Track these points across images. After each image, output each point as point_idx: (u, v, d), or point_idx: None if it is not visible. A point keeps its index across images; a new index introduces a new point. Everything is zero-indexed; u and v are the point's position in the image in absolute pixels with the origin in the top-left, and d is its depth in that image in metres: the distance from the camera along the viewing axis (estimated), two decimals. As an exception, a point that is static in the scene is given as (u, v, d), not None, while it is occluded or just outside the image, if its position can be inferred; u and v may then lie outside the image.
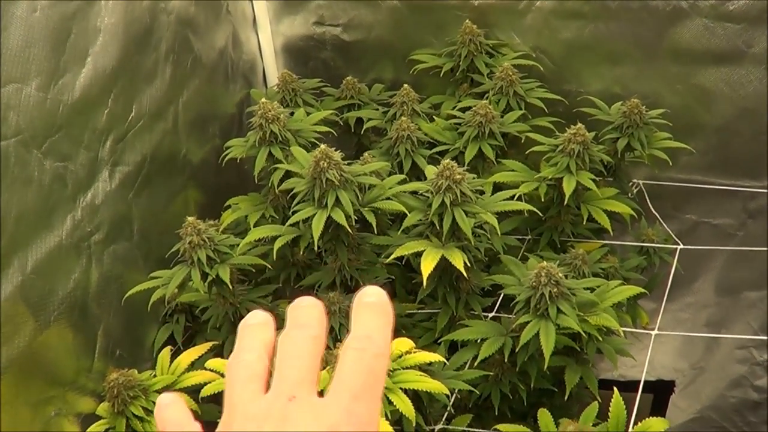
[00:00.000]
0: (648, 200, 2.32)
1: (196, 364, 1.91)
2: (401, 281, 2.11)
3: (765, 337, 2.48)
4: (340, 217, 1.73)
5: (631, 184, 2.32)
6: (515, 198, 1.90)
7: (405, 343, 1.69)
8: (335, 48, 2.54)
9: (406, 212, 1.78)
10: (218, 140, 2.31)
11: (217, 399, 1.93)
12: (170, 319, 2.10)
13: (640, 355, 1.99)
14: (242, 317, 1.83)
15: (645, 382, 1.85)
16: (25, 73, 1.67)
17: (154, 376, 1.87)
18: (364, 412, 0.71)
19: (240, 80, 2.47)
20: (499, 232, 1.83)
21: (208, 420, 1.90)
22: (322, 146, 1.76)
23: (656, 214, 2.30)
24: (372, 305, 0.77)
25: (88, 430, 1.82)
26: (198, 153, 2.27)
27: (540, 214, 2.04)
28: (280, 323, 1.84)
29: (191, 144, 2.23)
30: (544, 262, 1.71)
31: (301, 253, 1.91)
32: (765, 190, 2.34)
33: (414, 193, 1.84)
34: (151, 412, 1.79)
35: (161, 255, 2.00)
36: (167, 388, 1.83)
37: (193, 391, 1.84)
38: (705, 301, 2.63)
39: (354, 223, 1.79)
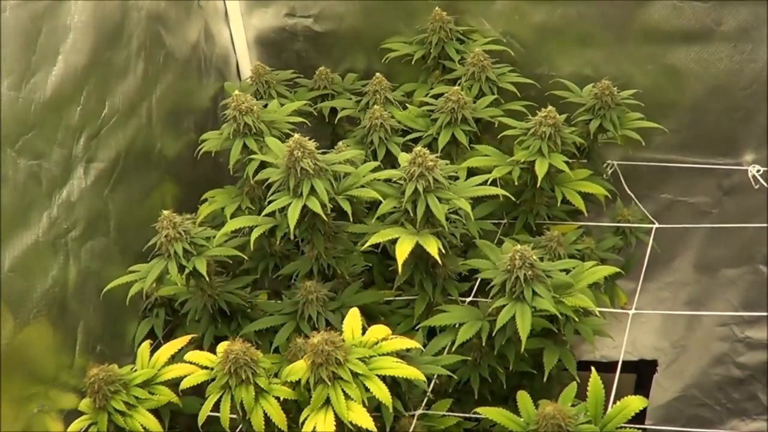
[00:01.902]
0: (623, 181, 2.36)
1: (177, 358, 1.93)
2: (379, 269, 2.13)
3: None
4: (315, 206, 1.75)
5: (605, 165, 2.35)
6: (489, 182, 1.93)
7: (381, 330, 1.71)
8: (307, 39, 2.56)
9: (381, 199, 1.80)
10: (193, 134, 2.34)
11: (198, 391, 1.96)
12: (150, 313, 2.13)
13: (620, 336, 2.01)
14: (221, 309, 1.87)
15: (628, 362, 1.88)
16: (-5, 72, 1.69)
17: (135, 370, 1.89)
18: None
19: (213, 74, 2.49)
20: (472, 218, 1.85)
21: (189, 412, 1.94)
22: (296, 136, 1.78)
23: (631, 194, 2.33)
24: None
25: (71, 426, 1.84)
26: (173, 147, 2.29)
27: (514, 198, 2.06)
28: (258, 314, 1.87)
29: (166, 139, 2.25)
30: (519, 246, 1.73)
31: (278, 243, 1.94)
32: (739, 167, 2.37)
33: (388, 181, 1.86)
34: (133, 406, 1.81)
35: (139, 250, 2.02)
36: (148, 382, 1.85)
37: (173, 385, 1.87)
38: (684, 279, 2.66)
39: (330, 212, 1.81)
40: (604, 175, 2.31)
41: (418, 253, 1.86)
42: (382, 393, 1.61)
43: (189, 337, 1.94)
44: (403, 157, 1.87)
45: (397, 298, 2.03)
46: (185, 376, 1.83)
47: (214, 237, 1.89)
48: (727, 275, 2.64)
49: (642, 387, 2.78)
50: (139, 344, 2.02)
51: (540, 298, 1.70)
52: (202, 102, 2.44)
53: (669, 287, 2.68)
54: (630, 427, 1.71)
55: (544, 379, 1.89)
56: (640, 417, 2.11)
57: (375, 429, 1.59)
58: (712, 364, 2.82)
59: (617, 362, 1.84)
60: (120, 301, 2.01)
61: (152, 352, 1.95)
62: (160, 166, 2.24)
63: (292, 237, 1.81)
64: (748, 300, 2.68)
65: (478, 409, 1.76)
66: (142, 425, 1.80)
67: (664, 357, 2.79)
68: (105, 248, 2.02)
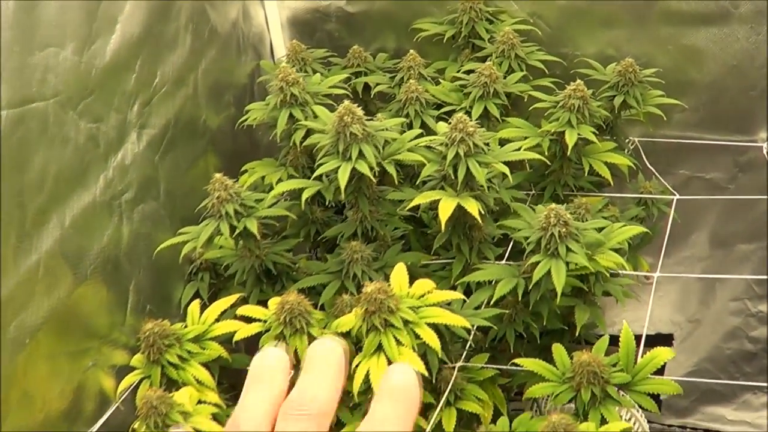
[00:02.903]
0: (644, 157, 2.46)
1: (224, 316, 2.03)
2: (415, 236, 2.24)
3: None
4: (364, 168, 1.86)
5: (627, 140, 2.46)
6: (521, 150, 2.04)
7: (426, 284, 1.82)
8: (340, 20, 2.67)
9: (425, 162, 1.91)
10: (233, 109, 2.45)
11: (242, 348, 2.07)
12: (195, 277, 2.23)
13: (640, 310, 2.11)
14: (267, 271, 1.97)
15: (645, 337, 1.96)
16: (62, 38, 1.80)
17: (185, 327, 1.99)
18: None
19: (250, 52, 2.60)
20: (511, 179, 1.97)
21: (238, 368, 2.05)
22: (346, 102, 1.89)
23: (652, 169, 2.44)
24: (396, 391, 0.73)
25: (124, 380, 1.94)
26: (215, 120, 2.39)
27: (546, 163, 2.17)
28: (302, 277, 1.97)
29: (209, 111, 2.36)
30: (553, 204, 1.84)
31: (327, 203, 2.04)
32: (754, 144, 2.48)
33: (428, 148, 1.97)
34: (186, 359, 1.91)
35: (185, 216, 2.13)
36: (199, 338, 1.95)
37: (222, 342, 1.97)
38: (700, 254, 2.77)
39: (373, 177, 1.92)
40: (626, 151, 2.42)
41: (456, 217, 1.96)
42: (431, 338, 1.71)
43: (237, 295, 2.04)
44: (442, 126, 1.99)
45: (434, 261, 2.13)
46: (234, 333, 1.95)
47: (262, 200, 2.00)
48: (742, 250, 2.74)
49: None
50: (185, 306, 2.14)
51: (574, 254, 1.80)
52: (240, 78, 2.55)
53: (685, 261, 2.78)
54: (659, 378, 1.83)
55: (577, 333, 2.00)
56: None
57: (425, 371, 1.70)
58: (725, 338, 2.93)
59: (637, 336, 1.93)
60: (167, 264, 2.13)
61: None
62: (204, 137, 2.35)
63: (343, 197, 1.91)
64: (761, 274, 2.79)
65: (516, 360, 1.87)
66: (194, 377, 1.91)
67: (680, 331, 2.90)
68: (155, 212, 2.12)
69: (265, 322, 1.84)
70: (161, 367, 1.90)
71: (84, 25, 1.86)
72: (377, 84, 2.43)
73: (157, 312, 2.10)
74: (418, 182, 1.99)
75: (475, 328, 1.94)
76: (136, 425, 1.83)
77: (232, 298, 2.03)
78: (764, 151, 2.43)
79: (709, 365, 2.98)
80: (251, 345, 1.99)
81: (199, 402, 1.88)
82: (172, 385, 1.91)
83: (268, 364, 0.79)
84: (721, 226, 2.73)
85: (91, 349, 1.94)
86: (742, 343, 2.93)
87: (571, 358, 1.83)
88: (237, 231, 1.93)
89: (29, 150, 1.71)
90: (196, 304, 2.04)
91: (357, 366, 1.72)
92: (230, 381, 2.08)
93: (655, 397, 1.89)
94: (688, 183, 2.62)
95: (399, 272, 1.82)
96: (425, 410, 1.90)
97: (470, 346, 1.96)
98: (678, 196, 2.33)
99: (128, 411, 1.96)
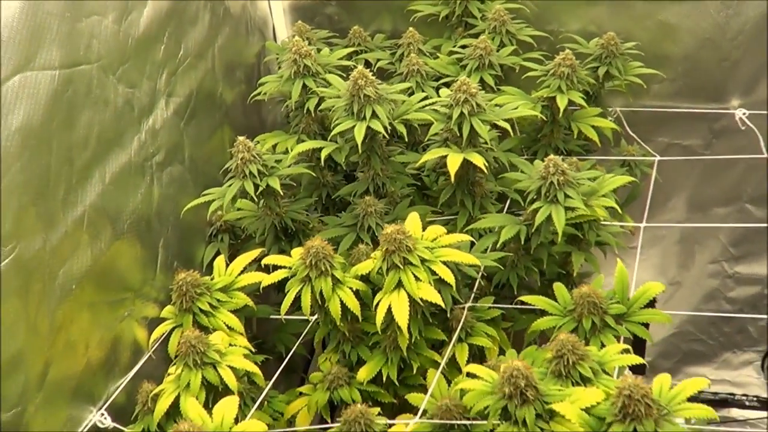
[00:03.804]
0: (626, 125, 2.69)
1: (246, 270, 2.22)
2: (420, 196, 2.44)
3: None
4: (378, 126, 2.07)
5: (610, 110, 2.69)
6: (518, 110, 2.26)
7: (438, 229, 2.03)
8: (339, 3, 2.90)
9: (433, 121, 2.12)
10: (243, 86, 2.66)
11: (264, 300, 2.26)
12: (215, 238, 2.43)
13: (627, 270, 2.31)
14: (285, 228, 2.17)
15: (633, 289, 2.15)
16: (104, 7, 2.00)
17: (212, 279, 2.18)
18: None
19: (257, 34, 2.82)
20: (512, 134, 2.19)
21: (261, 317, 2.24)
22: (360, 67, 2.11)
23: (634, 135, 2.67)
24: None
25: (157, 329, 2.12)
26: (230, 95, 2.61)
27: (537, 128, 2.38)
28: (314, 233, 2.17)
29: (225, 86, 2.57)
30: (552, 155, 2.05)
31: (337, 167, 2.24)
32: (727, 111, 2.72)
33: (434, 111, 2.18)
34: (216, 307, 2.10)
35: (206, 182, 2.33)
36: (226, 288, 2.14)
37: (247, 292, 2.17)
38: (679, 218, 3.00)
39: (387, 135, 2.13)
40: (610, 119, 2.64)
41: (460, 174, 2.17)
42: (446, 274, 1.92)
43: (260, 250, 2.23)
44: (444, 92, 2.21)
45: (440, 218, 2.34)
46: (259, 283, 2.15)
47: (281, 161, 2.20)
48: (718, 214, 2.98)
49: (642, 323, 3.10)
50: (208, 265, 2.33)
51: (572, 200, 2.02)
52: (249, 58, 2.77)
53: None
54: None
55: (574, 274, 2.21)
56: (640, 352, 2.41)
57: (442, 302, 1.90)
58: (704, 299, 3.17)
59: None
60: (191, 225, 2.34)
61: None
62: (221, 109, 2.56)
63: (360, 152, 2.12)
64: (736, 237, 3.03)
65: (521, 297, 2.08)
66: (225, 323, 2.10)
67: (662, 295, 3.09)
68: (181, 175, 2.33)
69: (290, 269, 2.04)
70: (193, 315, 2.09)
71: (122, -3, 2.08)
72: (378, 60, 2.65)
73: (183, 270, 2.28)
74: (420, 147, 2.21)
75: (481, 272, 2.14)
76: (171, 369, 2.02)
77: (254, 253, 2.21)
78: (737, 118, 2.66)
79: (690, 326, 3.22)
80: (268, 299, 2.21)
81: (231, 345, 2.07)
82: (201, 332, 2.09)
83: None
84: (698, 191, 2.96)
85: (126, 300, 2.13)
86: (720, 304, 3.17)
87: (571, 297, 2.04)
88: (260, 189, 2.13)
89: (76, 109, 1.91)
90: (221, 259, 2.23)
91: (378, 303, 1.93)
92: (250, 333, 2.28)
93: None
94: (667, 150, 2.85)
95: (413, 220, 2.02)
96: (439, 347, 2.11)
97: (478, 287, 2.17)
98: (658, 158, 2.56)
99: (159, 360, 2.16)
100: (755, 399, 3.17)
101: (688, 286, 3.15)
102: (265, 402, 2.15)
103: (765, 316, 2.16)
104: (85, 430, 1.98)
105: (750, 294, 3.13)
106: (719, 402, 3.20)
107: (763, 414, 3.17)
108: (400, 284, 1.91)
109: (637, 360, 1.83)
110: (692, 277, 3.15)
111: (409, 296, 1.89)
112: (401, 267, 1.90)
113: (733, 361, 3.28)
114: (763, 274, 3.09)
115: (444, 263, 1.94)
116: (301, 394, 2.20)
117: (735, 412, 3.22)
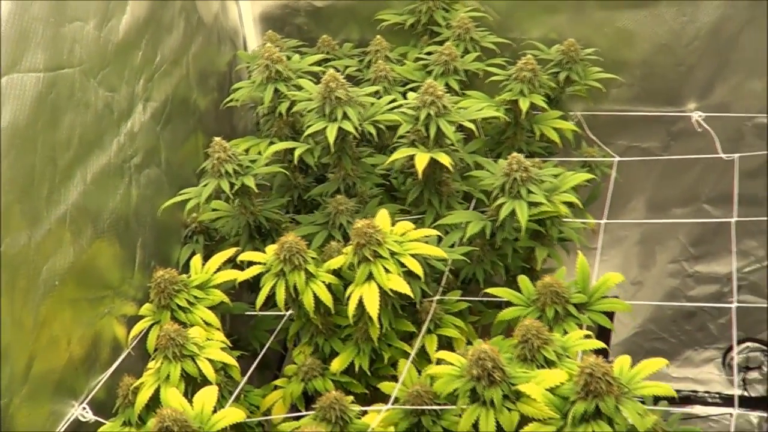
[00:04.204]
0: (586, 129, 2.82)
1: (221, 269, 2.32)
2: (389, 196, 2.55)
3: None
4: (349, 127, 2.19)
5: (571, 114, 2.82)
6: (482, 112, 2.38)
7: (406, 224, 2.15)
8: (308, 14, 3.02)
9: (402, 122, 2.24)
10: (216, 93, 2.77)
11: (239, 297, 2.36)
12: (190, 240, 2.54)
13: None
14: (259, 227, 2.27)
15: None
16: (86, 13, 2.12)
17: (189, 277, 2.27)
18: None
19: (228, 43, 2.93)
20: (477, 134, 2.31)
21: (236, 315, 2.35)
22: (331, 70, 2.23)
23: (594, 138, 2.80)
24: None
25: (136, 325, 2.21)
26: (203, 101, 2.72)
27: (500, 131, 2.51)
28: (286, 233, 2.26)
29: (198, 92, 2.69)
30: (515, 153, 2.17)
31: (313, 162, 2.35)
32: (685, 114, 2.86)
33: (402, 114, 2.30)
34: (193, 303, 2.19)
35: (181, 184, 2.43)
36: (203, 285, 2.23)
37: (223, 289, 2.27)
38: (639, 219, 3.13)
39: (357, 135, 2.24)
40: (571, 123, 2.77)
41: (427, 173, 2.30)
42: (415, 266, 2.03)
43: (234, 249, 2.34)
44: (411, 95, 2.33)
45: (408, 217, 2.44)
46: (234, 282, 2.26)
47: (256, 161, 2.31)
48: (677, 214, 3.12)
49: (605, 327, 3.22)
50: (184, 265, 2.43)
51: (534, 195, 2.13)
52: (221, 66, 2.88)
53: (625, 226, 3.15)
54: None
55: (537, 268, 2.33)
56: (603, 352, 2.52)
57: (411, 293, 2.01)
58: (665, 299, 3.29)
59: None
60: (167, 227, 2.44)
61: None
62: (195, 115, 2.67)
63: (332, 152, 2.24)
64: (695, 237, 3.17)
65: (487, 290, 2.19)
66: (202, 319, 2.19)
67: (624, 294, 3.23)
68: (157, 177, 2.44)
69: (264, 264, 2.14)
70: (170, 311, 2.18)
71: (103, 4, 2.18)
72: (347, 67, 2.76)
73: (161, 268, 2.38)
74: (387, 150, 2.33)
75: (448, 267, 2.26)
76: (150, 364, 2.11)
77: (229, 252, 2.32)
78: (693, 121, 2.80)
79: (653, 325, 3.34)
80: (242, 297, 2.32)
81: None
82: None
83: None
84: (657, 192, 3.09)
85: (106, 297, 2.23)
86: (681, 303, 3.29)
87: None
88: (235, 188, 2.24)
89: (59, 111, 2.02)
90: (197, 258, 2.33)
91: (350, 295, 2.04)
92: (228, 330, 2.38)
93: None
94: (626, 152, 2.97)
95: (382, 216, 2.13)
96: (409, 338, 2.22)
97: (446, 282, 2.28)
98: (618, 158, 2.69)
99: (137, 358, 2.25)
100: (717, 395, 3.31)
101: (650, 286, 3.28)
102: (242, 395, 2.24)
103: (730, 305, 2.28)
104: (68, 423, 2.07)
105: (710, 292, 3.26)
106: (682, 399, 3.32)
107: (725, 410, 3.30)
108: (370, 276, 2.02)
109: (598, 344, 1.94)
110: (653, 277, 3.27)
111: (380, 288, 2.01)
112: (372, 260, 2.01)
113: (695, 359, 3.40)
114: (722, 273, 3.22)
115: (413, 256, 2.06)
116: (276, 387, 2.31)
117: (698, 409, 3.35)
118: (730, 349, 3.32)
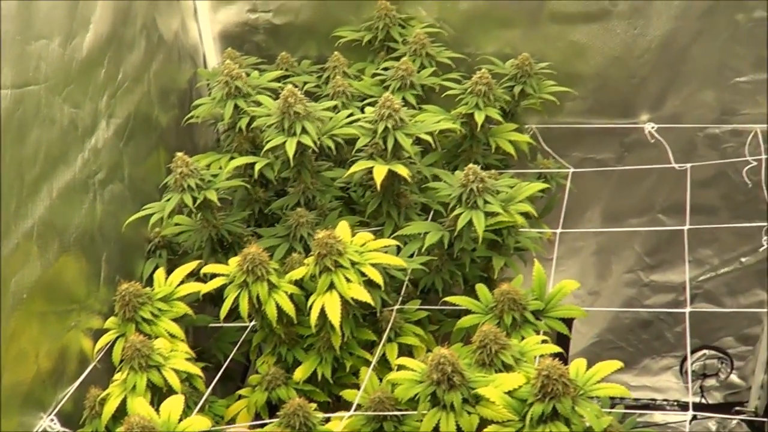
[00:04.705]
0: (542, 141, 2.92)
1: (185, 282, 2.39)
2: (348, 210, 2.64)
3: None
4: (308, 141, 2.28)
5: (527, 127, 2.92)
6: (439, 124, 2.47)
7: (366, 235, 2.24)
8: (267, 31, 3.11)
9: (360, 136, 2.33)
10: (177, 110, 2.85)
11: (202, 310, 2.43)
12: (153, 254, 2.61)
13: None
14: (221, 240, 2.35)
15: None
16: (51, 31, 2.20)
17: (153, 290, 2.34)
18: None
19: (188, 61, 3.02)
20: (435, 146, 2.42)
21: (199, 328, 2.42)
22: (289, 86, 2.31)
23: (549, 150, 2.90)
24: None
25: (101, 338, 2.27)
26: (164, 118, 2.80)
27: (457, 144, 2.60)
28: (244, 244, 2.35)
29: (160, 109, 2.77)
30: (471, 164, 2.26)
31: (273, 177, 2.44)
32: (638, 125, 2.97)
33: (360, 127, 2.39)
34: (157, 316, 2.26)
35: (144, 200, 2.51)
36: (167, 298, 2.30)
37: (186, 302, 2.34)
38: (595, 229, 3.23)
39: (316, 149, 2.34)
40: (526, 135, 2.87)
41: (386, 185, 2.38)
42: (375, 276, 2.12)
43: (197, 262, 2.40)
44: (368, 110, 2.42)
45: (368, 229, 2.52)
46: (197, 295, 2.34)
47: (218, 176, 2.40)
48: (633, 224, 3.22)
49: (562, 336, 3.31)
50: (147, 279, 2.50)
51: (491, 205, 2.21)
52: (181, 83, 2.96)
53: (582, 237, 3.25)
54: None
55: (494, 276, 2.43)
56: (560, 356, 2.60)
57: (372, 301, 2.09)
58: (622, 308, 3.39)
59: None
60: (130, 241, 2.51)
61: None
62: (157, 131, 2.75)
63: (291, 165, 2.33)
64: (650, 247, 3.27)
65: (446, 298, 2.28)
66: (166, 331, 2.25)
67: (582, 304, 3.32)
68: (121, 193, 2.51)
69: (228, 276, 2.22)
70: (135, 323, 2.25)
71: (67, 22, 2.26)
72: (305, 83, 2.86)
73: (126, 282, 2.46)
74: (346, 164, 2.42)
75: (408, 277, 2.34)
76: (117, 376, 2.18)
77: (192, 265, 2.39)
78: (646, 132, 2.90)
79: (610, 335, 3.44)
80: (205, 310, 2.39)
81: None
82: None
83: None
84: (612, 203, 3.20)
85: (72, 311, 2.30)
86: (637, 312, 3.40)
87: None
88: (198, 201, 2.32)
89: (26, 127, 2.09)
90: (161, 271, 2.40)
91: (312, 304, 2.12)
92: (192, 343, 2.45)
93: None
94: (581, 164, 3.07)
95: (342, 227, 2.22)
96: (370, 347, 2.31)
97: (405, 291, 2.37)
98: (573, 169, 2.79)
99: (103, 371, 2.31)
100: (675, 403, 3.41)
101: (606, 296, 3.38)
102: (206, 406, 2.31)
103: (684, 310, 2.37)
104: (36, 435, 2.14)
105: (666, 301, 3.37)
106: (641, 407, 3.42)
107: (683, 417, 3.39)
108: (332, 286, 2.10)
109: (554, 349, 2.03)
110: (610, 287, 3.38)
111: (341, 297, 2.09)
112: (333, 269, 2.09)
113: (653, 367, 3.51)
114: (678, 282, 3.33)
115: (373, 266, 2.14)
116: (240, 397, 2.39)
117: (657, 417, 3.45)
118: (686, 357, 3.41)
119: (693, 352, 3.38)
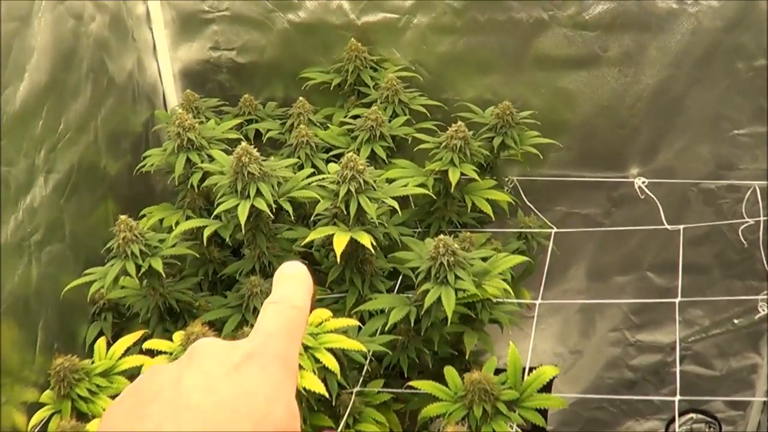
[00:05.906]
0: (523, 195, 2.74)
1: (128, 353, 2.22)
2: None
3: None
4: (262, 205, 2.09)
5: (507, 180, 2.74)
6: (408, 186, 2.29)
7: (323, 312, 2.06)
8: (230, 70, 2.91)
9: (320, 199, 2.15)
10: (129, 156, 2.66)
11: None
12: (98, 317, 2.42)
13: (524, 343, 2.35)
14: (170, 308, 2.17)
15: (528, 368, 2.20)
16: (-22, 85, 2.01)
17: (92, 363, 2.18)
18: (280, 345, 0.84)
19: (145, 102, 2.82)
20: (401, 214, 2.22)
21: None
22: (243, 143, 2.12)
23: (531, 205, 2.72)
24: (290, 275, 0.90)
25: (36, 415, 2.11)
26: (114, 166, 2.60)
27: (431, 200, 2.42)
28: (200, 313, 2.18)
29: (108, 158, 2.57)
30: (442, 236, 2.09)
31: (224, 242, 2.26)
32: (626, 179, 2.78)
33: (321, 187, 2.21)
34: (95, 393, 2.10)
35: (88, 258, 2.33)
36: (107, 372, 2.14)
37: (129, 376, 2.17)
38: (578, 287, 3.06)
39: (272, 214, 2.15)
40: (506, 189, 2.69)
41: (349, 252, 2.20)
42: (330, 362, 1.94)
43: (142, 331, 2.24)
44: (332, 167, 2.24)
45: (328, 296, 2.36)
46: (140, 366, 2.16)
47: (164, 241, 2.21)
48: (618, 282, 3.05)
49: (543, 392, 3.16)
50: (90, 345, 2.33)
51: (462, 281, 2.04)
52: (136, 127, 2.76)
53: (565, 294, 3.07)
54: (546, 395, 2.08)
55: (466, 356, 2.25)
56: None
57: (326, 392, 1.92)
58: (606, 368, 3.23)
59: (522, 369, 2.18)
60: (72, 305, 2.32)
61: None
62: (104, 183, 2.55)
63: (243, 232, 2.15)
64: (637, 306, 3.10)
65: (411, 383, 2.11)
66: (104, 410, 2.10)
67: (563, 363, 3.18)
68: (61, 253, 2.32)
69: (171, 354, 2.05)
70: (71, 401, 2.08)
71: (-2, 73, 2.08)
72: (268, 130, 2.67)
73: (64, 351, 2.26)
74: (310, 221, 2.23)
75: (370, 354, 2.17)
76: (48, 458, 2.02)
77: (137, 335, 2.23)
78: (636, 186, 2.73)
79: (593, 394, 3.27)
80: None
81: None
82: (81, 418, 2.08)
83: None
84: (597, 260, 3.02)
85: (4, 385, 2.11)
86: (622, 372, 3.23)
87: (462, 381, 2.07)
88: (142, 270, 2.14)
89: (-52, 191, 1.91)
90: (102, 341, 2.23)
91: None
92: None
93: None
94: (566, 219, 2.90)
95: (298, 305, 2.04)
96: (329, 431, 2.14)
97: (366, 372, 2.19)
98: (556, 229, 2.61)
99: (39, 448, 2.15)
100: (660, 467, 3.25)
101: (590, 355, 3.21)
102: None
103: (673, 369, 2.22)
104: None
105: (652, 362, 3.20)
106: (624, 471, 3.27)
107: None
108: (283, 373, 1.92)
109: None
110: (593, 346, 3.21)
111: (293, 384, 1.91)
112: (285, 355, 1.91)
113: (637, 429, 3.34)
114: (665, 342, 3.15)
115: (329, 350, 1.97)
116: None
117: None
118: (672, 420, 3.25)
119: (680, 415, 3.21)
